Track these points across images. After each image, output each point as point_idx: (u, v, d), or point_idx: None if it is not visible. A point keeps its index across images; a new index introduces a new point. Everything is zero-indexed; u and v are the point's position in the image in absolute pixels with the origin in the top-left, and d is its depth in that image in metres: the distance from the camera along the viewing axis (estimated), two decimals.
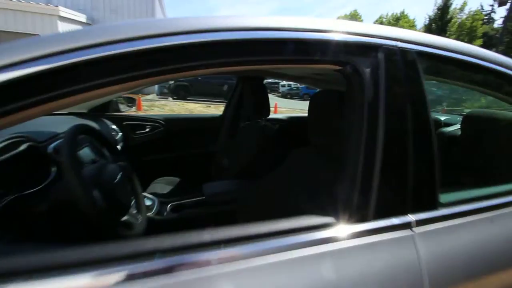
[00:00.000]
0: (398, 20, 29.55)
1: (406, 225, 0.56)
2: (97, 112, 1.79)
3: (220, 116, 2.16)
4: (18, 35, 8.33)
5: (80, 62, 0.44)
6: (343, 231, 0.53)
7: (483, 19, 24.94)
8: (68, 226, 0.79)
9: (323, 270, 0.50)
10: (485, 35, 23.89)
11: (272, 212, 1.08)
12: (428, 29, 23.40)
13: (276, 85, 20.96)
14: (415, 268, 0.53)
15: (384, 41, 0.63)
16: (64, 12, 9.38)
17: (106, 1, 11.68)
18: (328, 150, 0.91)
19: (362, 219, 0.54)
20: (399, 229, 0.55)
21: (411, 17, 30.73)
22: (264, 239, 0.50)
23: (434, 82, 1.04)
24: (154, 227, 1.24)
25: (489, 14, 26.09)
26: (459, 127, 1.41)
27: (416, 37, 0.69)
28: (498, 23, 25.11)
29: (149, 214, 1.23)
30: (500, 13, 29.78)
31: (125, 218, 0.84)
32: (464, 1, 25.10)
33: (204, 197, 1.35)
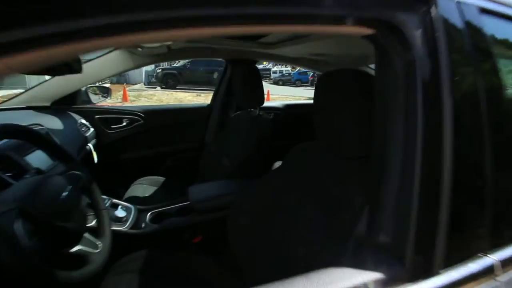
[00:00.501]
0: None
1: (487, 271, 0.36)
2: (62, 105, 1.53)
3: (208, 105, 1.92)
4: None
5: None
6: None
7: None
8: None
9: None
10: None
11: (273, 224, 0.88)
12: None
13: (267, 72, 20.53)
14: None
15: None
16: None
17: None
18: (347, 151, 0.70)
19: (424, 272, 0.34)
20: (478, 279, 0.35)
21: None
22: None
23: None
24: (128, 244, 1.03)
25: None
26: None
27: None
28: None
29: (122, 228, 1.02)
30: None
31: (75, 249, 0.63)
32: None
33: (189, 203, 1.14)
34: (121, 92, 7.59)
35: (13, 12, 0.22)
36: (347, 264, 0.39)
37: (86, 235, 0.70)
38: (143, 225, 1.08)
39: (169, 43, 1.31)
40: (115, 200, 1.17)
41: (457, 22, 0.43)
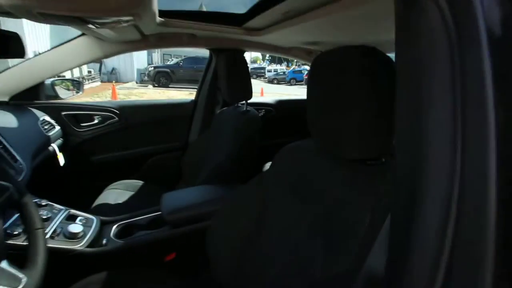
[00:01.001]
0: None
1: None
2: (22, 100, 1.34)
3: (192, 101, 1.75)
4: None
5: None
6: None
7: None
8: None
9: None
10: None
11: (260, 242, 0.71)
12: None
13: (262, 70, 20.38)
14: None
15: None
16: None
17: None
18: (350, 151, 0.55)
19: None
20: None
21: None
22: None
23: None
24: (85, 266, 0.85)
25: None
26: None
27: None
28: None
29: (76, 246, 0.84)
30: None
31: None
32: None
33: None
34: (111, 90, 7.34)
35: None
36: None
37: (3, 265, 0.53)
38: (104, 241, 0.90)
39: (141, 28, 1.14)
40: (73, 211, 0.99)
41: None
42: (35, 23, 0.72)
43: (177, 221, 0.95)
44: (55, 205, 0.98)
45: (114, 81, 10.18)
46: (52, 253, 0.81)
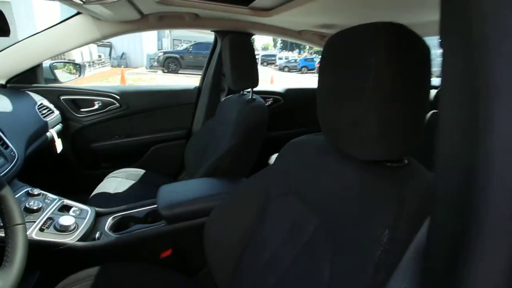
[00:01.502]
0: None
1: None
2: (20, 84, 1.29)
3: (196, 88, 1.67)
4: None
5: None
6: None
7: None
8: None
9: None
10: None
11: (263, 245, 0.64)
12: None
13: (272, 58, 19.95)
14: None
15: None
16: None
17: None
18: (371, 152, 0.47)
19: None
20: None
21: None
22: None
23: None
24: (77, 260, 0.81)
25: None
26: None
27: None
28: None
29: (66, 240, 0.80)
30: None
31: None
32: None
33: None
34: (120, 76, 7.32)
35: None
36: None
37: None
38: (97, 234, 0.86)
39: (140, 7, 1.05)
40: (67, 201, 0.94)
41: None
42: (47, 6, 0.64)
43: (173, 216, 0.89)
44: (49, 194, 0.93)
45: (123, 66, 10.16)
46: (41, 246, 0.77)
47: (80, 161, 1.50)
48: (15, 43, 1.18)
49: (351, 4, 0.95)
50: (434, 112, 1.07)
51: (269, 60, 19.83)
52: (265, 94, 1.77)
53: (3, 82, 1.24)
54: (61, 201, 0.93)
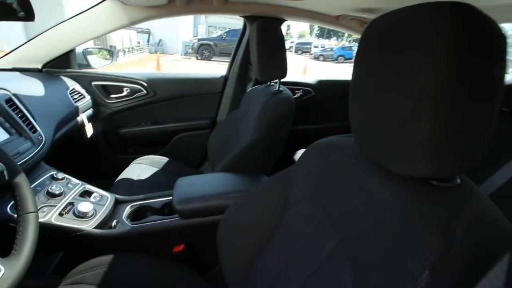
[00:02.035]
0: None
1: None
2: (55, 68, 1.33)
3: (223, 77, 1.61)
4: None
5: None
6: None
7: None
8: None
9: None
10: None
11: (277, 255, 0.59)
12: None
13: (308, 46, 19.24)
14: None
15: None
16: None
17: None
18: (418, 166, 0.38)
19: None
20: None
21: None
22: None
23: None
24: (93, 247, 0.82)
25: None
26: None
27: None
28: None
29: (83, 226, 0.80)
30: None
31: None
32: None
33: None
34: (156, 61, 7.57)
35: None
36: None
37: None
38: (114, 222, 0.86)
39: None
40: (89, 187, 0.96)
41: None
42: None
43: (187, 212, 0.86)
44: (72, 179, 0.96)
45: (159, 52, 10.49)
46: (60, 231, 0.79)
47: (109, 146, 1.55)
48: (49, 28, 1.21)
49: None
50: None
51: (303, 49, 19.16)
52: (295, 85, 1.66)
53: (39, 66, 1.29)
54: (83, 186, 0.95)
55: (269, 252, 0.63)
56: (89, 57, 1.49)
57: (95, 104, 1.45)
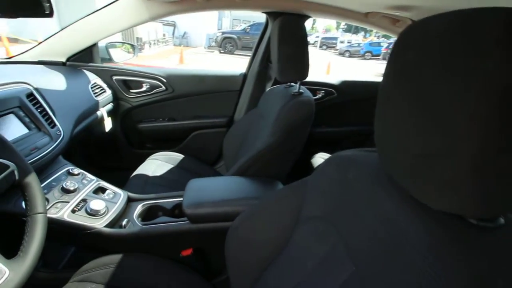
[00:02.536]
0: None
1: None
2: (78, 62, 1.36)
3: (242, 74, 1.57)
4: None
5: None
6: None
7: None
8: None
9: None
10: None
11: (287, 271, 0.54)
12: None
13: (333, 41, 18.65)
14: None
15: None
16: None
17: None
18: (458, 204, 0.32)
19: None
20: None
21: None
22: None
23: None
24: (103, 245, 0.82)
25: None
26: None
27: None
28: None
29: (94, 224, 0.81)
30: None
31: None
32: None
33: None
34: (180, 54, 7.67)
35: None
36: None
37: None
38: (124, 222, 0.85)
39: None
40: (103, 183, 0.96)
41: None
42: None
43: (196, 216, 0.83)
44: (88, 175, 0.97)
45: (183, 45, 10.63)
46: (72, 228, 0.80)
47: (127, 140, 1.57)
48: (74, 22, 1.23)
49: None
50: None
51: (329, 43, 18.59)
52: (317, 85, 1.59)
53: (63, 60, 1.32)
54: (97, 183, 0.95)
55: (279, 267, 0.60)
56: (112, 51, 1.50)
57: (115, 98, 1.46)
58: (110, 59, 1.50)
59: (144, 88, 1.50)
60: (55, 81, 1.12)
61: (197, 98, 1.56)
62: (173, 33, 12.32)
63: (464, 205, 0.30)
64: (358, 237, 0.44)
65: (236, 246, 0.68)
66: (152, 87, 1.50)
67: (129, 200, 0.97)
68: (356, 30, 24.25)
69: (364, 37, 22.61)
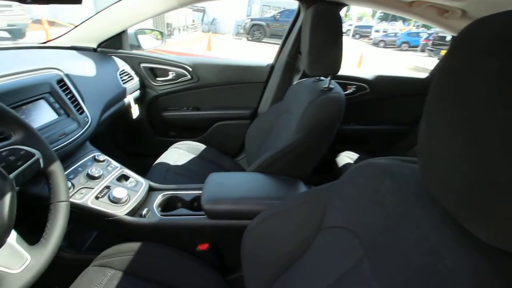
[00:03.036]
0: None
1: None
2: (108, 48, 1.38)
3: (269, 65, 1.51)
4: None
5: None
6: None
7: None
8: None
9: None
10: None
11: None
12: None
13: (368, 29, 17.62)
14: None
15: None
16: None
17: None
18: None
19: None
20: None
21: None
22: None
23: None
24: (124, 231, 0.84)
25: None
26: None
27: None
28: None
29: (116, 212, 0.82)
30: None
31: None
32: None
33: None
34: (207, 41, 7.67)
35: None
36: None
37: (13, 240, 0.49)
38: (144, 211, 0.86)
39: None
40: (126, 171, 0.98)
41: None
42: None
43: (214, 212, 0.82)
44: (112, 162, 0.98)
45: (211, 32, 10.61)
46: (95, 214, 0.82)
47: (152, 127, 1.60)
48: (105, 8, 1.23)
49: None
50: None
51: (362, 33, 17.60)
52: (348, 80, 1.49)
53: (94, 46, 1.35)
54: (121, 170, 0.97)
55: (296, 274, 0.57)
56: (140, 38, 1.51)
57: (142, 86, 1.48)
58: (138, 46, 1.50)
59: (170, 76, 1.49)
60: (86, 67, 1.14)
61: (222, 88, 1.53)
62: (202, 19, 12.33)
63: None
64: (387, 257, 0.40)
65: (252, 246, 0.66)
66: (178, 76, 1.49)
67: (150, 189, 0.98)
68: (393, 19, 22.68)
69: (402, 26, 21.11)
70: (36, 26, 6.48)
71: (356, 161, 1.46)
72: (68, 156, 0.88)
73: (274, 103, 1.41)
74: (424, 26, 13.04)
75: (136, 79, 1.43)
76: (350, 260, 0.47)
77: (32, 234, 0.56)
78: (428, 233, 0.36)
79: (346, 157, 1.50)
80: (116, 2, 1.21)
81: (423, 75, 1.65)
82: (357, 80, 1.51)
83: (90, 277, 0.71)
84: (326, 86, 0.98)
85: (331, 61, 0.94)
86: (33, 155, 0.56)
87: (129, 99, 1.35)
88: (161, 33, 1.71)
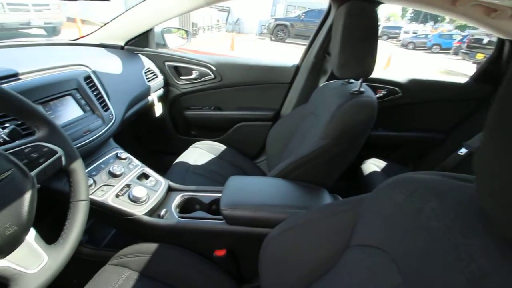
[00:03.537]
0: None
1: None
2: (135, 46, 1.39)
3: (295, 66, 1.45)
4: None
5: None
6: None
7: None
8: None
9: None
10: None
11: None
12: None
13: (396, 30, 16.93)
14: None
15: None
16: None
17: None
18: None
19: None
20: None
21: None
22: None
23: None
24: (141, 231, 0.83)
25: None
26: None
27: None
28: None
29: (134, 211, 0.81)
30: None
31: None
32: None
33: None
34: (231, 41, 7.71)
35: None
36: None
37: (32, 238, 0.48)
38: (162, 212, 0.85)
39: None
40: (147, 170, 0.97)
41: None
42: None
43: (233, 218, 0.79)
44: (134, 160, 0.98)
45: (235, 32, 10.67)
46: (114, 212, 0.81)
47: (174, 126, 1.60)
48: (133, 7, 1.24)
49: None
50: None
51: (390, 34, 16.94)
52: (379, 82, 1.40)
53: (122, 43, 1.36)
54: (141, 169, 0.96)
55: None
56: (166, 36, 1.51)
57: (166, 84, 1.48)
58: (164, 45, 1.51)
59: (193, 75, 1.48)
60: (112, 65, 1.15)
61: (245, 88, 1.50)
62: (227, 19, 12.44)
63: None
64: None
65: (272, 257, 0.62)
66: (201, 75, 1.48)
67: (169, 189, 0.97)
68: (424, 19, 21.60)
69: (433, 28, 20.06)
70: (70, 25, 6.85)
71: (384, 170, 1.37)
72: (92, 153, 0.88)
73: (298, 105, 1.35)
74: (457, 27, 12.29)
75: (160, 78, 1.43)
76: (384, 286, 0.41)
77: (51, 231, 0.55)
78: (485, 270, 0.30)
79: (373, 165, 1.41)
80: (143, 1, 1.22)
81: (457, 79, 1.52)
82: (388, 83, 1.42)
83: (107, 276, 0.70)
84: (356, 89, 0.92)
85: (365, 63, 0.87)
86: (55, 152, 0.55)
87: (153, 97, 1.35)
88: (186, 32, 1.71)
